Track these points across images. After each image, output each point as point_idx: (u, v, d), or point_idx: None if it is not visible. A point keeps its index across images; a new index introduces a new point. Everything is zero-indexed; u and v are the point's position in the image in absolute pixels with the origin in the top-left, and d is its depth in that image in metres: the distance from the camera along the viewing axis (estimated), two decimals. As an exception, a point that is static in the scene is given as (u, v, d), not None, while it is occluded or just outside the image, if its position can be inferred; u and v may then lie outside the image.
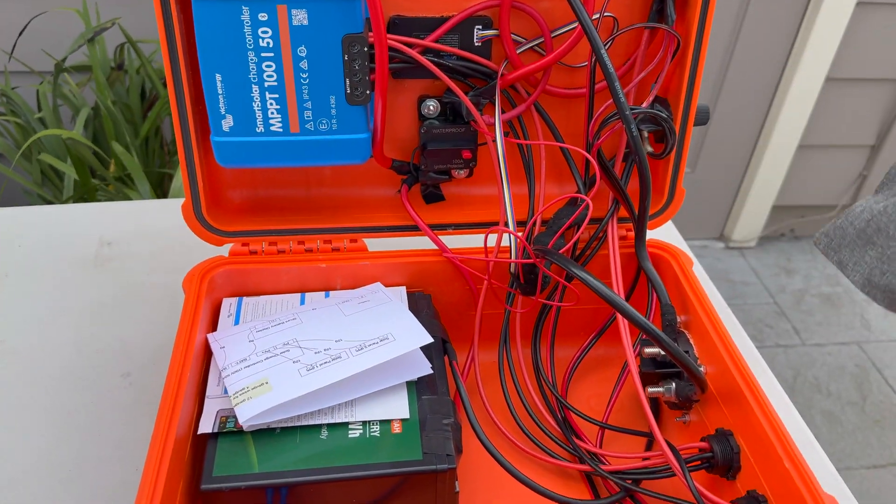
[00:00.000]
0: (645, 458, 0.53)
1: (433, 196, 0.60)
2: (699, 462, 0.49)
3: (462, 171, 0.58)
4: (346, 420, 0.47)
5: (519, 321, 0.58)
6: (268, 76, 0.48)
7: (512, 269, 0.55)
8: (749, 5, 1.71)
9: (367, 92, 0.50)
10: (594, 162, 0.50)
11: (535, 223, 0.55)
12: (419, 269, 0.58)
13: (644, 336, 0.57)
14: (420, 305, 0.57)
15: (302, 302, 0.56)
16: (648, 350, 0.54)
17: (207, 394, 0.48)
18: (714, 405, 0.51)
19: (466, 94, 0.53)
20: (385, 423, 0.48)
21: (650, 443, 0.56)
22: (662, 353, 0.53)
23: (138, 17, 1.38)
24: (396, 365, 0.50)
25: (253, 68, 0.48)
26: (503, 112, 0.55)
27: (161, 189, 1.28)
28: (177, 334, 0.49)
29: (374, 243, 0.59)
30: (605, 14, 0.53)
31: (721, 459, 0.48)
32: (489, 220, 0.59)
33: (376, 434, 0.47)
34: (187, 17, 0.48)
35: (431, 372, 0.50)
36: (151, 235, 0.75)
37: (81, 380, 0.59)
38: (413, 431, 0.47)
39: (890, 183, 0.47)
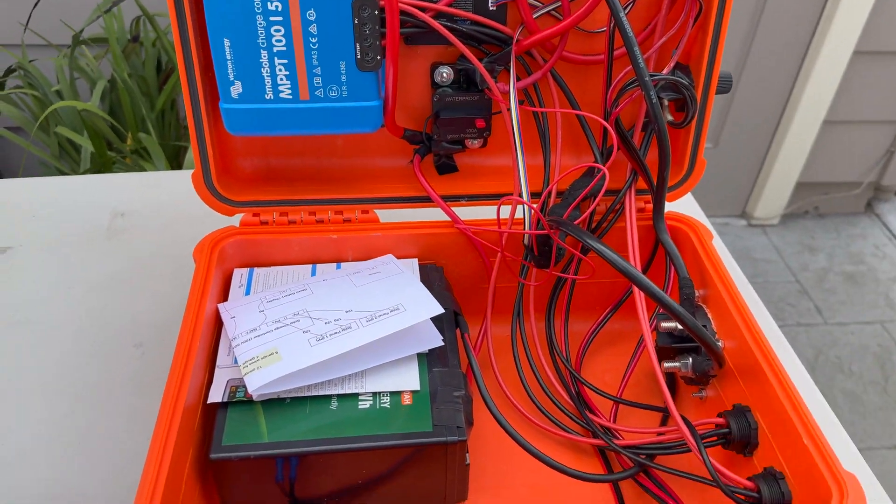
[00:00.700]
0: (659, 434, 0.52)
1: (446, 167, 0.59)
2: (715, 438, 0.48)
3: (476, 141, 0.57)
4: (356, 391, 0.47)
5: (533, 294, 0.57)
6: (276, 41, 0.47)
7: (526, 241, 0.53)
8: (776, -25, 1.67)
9: (378, 58, 0.49)
10: (612, 130, 0.48)
11: (549, 194, 0.54)
12: (431, 240, 0.58)
13: (661, 310, 0.56)
14: (432, 277, 0.56)
15: (313, 273, 0.56)
16: (665, 324, 0.52)
17: (217, 363, 0.48)
18: (732, 381, 0.50)
19: (480, 60, 0.52)
20: (395, 394, 0.47)
21: (665, 418, 0.55)
22: (680, 327, 0.52)
23: (154, -10, 1.37)
24: (407, 336, 0.49)
25: (261, 33, 0.47)
26: (518, 79, 0.53)
27: (177, 162, 1.28)
28: (187, 304, 0.48)
29: (386, 214, 0.58)
30: (625, -23, 0.52)
31: (738, 435, 0.47)
32: (503, 192, 0.58)
33: (387, 405, 0.46)
34: (194, -19, 0.46)
35: (442, 344, 0.50)
36: (164, 207, 0.74)
37: (94, 350, 0.59)
38: (424, 403, 0.47)
39: None
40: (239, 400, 0.46)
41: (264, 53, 0.48)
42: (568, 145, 0.58)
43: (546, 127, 0.56)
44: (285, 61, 0.48)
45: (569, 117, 0.57)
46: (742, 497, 0.45)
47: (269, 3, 0.46)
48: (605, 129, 0.56)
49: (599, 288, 0.59)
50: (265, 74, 0.49)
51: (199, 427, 0.46)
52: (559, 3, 0.51)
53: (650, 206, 0.58)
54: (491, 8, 0.51)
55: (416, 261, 0.57)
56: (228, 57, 0.48)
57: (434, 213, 0.58)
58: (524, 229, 0.52)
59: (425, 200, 0.58)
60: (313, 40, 0.47)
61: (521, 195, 0.52)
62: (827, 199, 2.14)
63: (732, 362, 0.50)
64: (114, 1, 1.27)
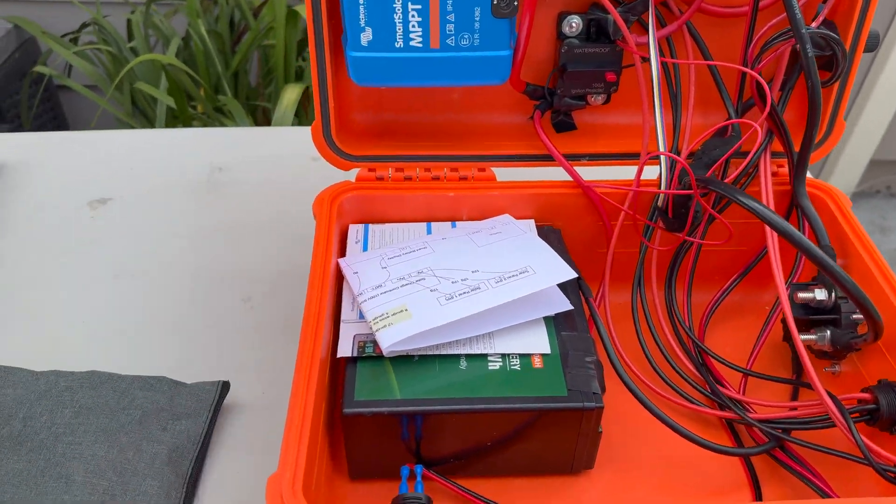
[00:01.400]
0: (792, 409, 0.50)
1: (564, 124, 0.57)
2: (858, 414, 0.46)
3: (599, 97, 0.54)
4: (484, 351, 0.45)
5: (655, 259, 0.54)
6: (413, -15, 0.45)
7: (660, 203, 0.51)
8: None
9: (515, 3, 0.46)
10: (764, 84, 0.45)
11: (687, 153, 0.51)
12: (549, 201, 0.55)
13: (795, 280, 0.54)
14: (550, 240, 0.54)
15: (428, 231, 0.54)
16: (802, 295, 0.50)
17: (342, 318, 0.47)
18: (877, 355, 0.47)
19: (615, 8, 0.49)
20: (525, 356, 0.46)
21: (795, 392, 0.52)
22: (819, 297, 0.49)
23: (227, -54, 1.36)
24: (535, 299, 0.47)
25: (397, -24, 0.45)
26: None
27: (255, 121, 1.28)
28: (312, 259, 0.47)
29: (498, 173, 0.56)
30: (778, -79, 0.48)
31: (887, 412, 0.45)
32: (626, 151, 0.55)
33: (517, 367, 0.45)
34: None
35: (571, 308, 0.48)
36: (260, 162, 0.74)
37: (203, 304, 0.59)
38: (555, 367, 0.45)
39: None
40: (368, 355, 0.45)
41: (399, -2, 0.46)
42: (696, 104, 0.55)
43: (678, 83, 0.53)
44: (419, 6, 0.46)
45: (701, 74, 0.54)
46: (893, 475, 0.43)
47: (408, -56, 0.44)
48: (741, 86, 0.53)
49: (721, 255, 0.57)
50: (397, 21, 0.47)
51: (328, 382, 0.45)
52: (705, -50, 0.48)
53: (782, 169, 0.55)
54: (631, -47, 0.48)
55: (532, 221, 0.55)
56: (361, 1, 0.46)
57: (546, 173, 0.56)
58: (661, 188, 0.49)
59: (545, 159, 0.55)
60: (451, -16, 0.45)
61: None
62: (902, 178, 2.06)
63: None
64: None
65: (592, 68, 0.52)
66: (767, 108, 0.46)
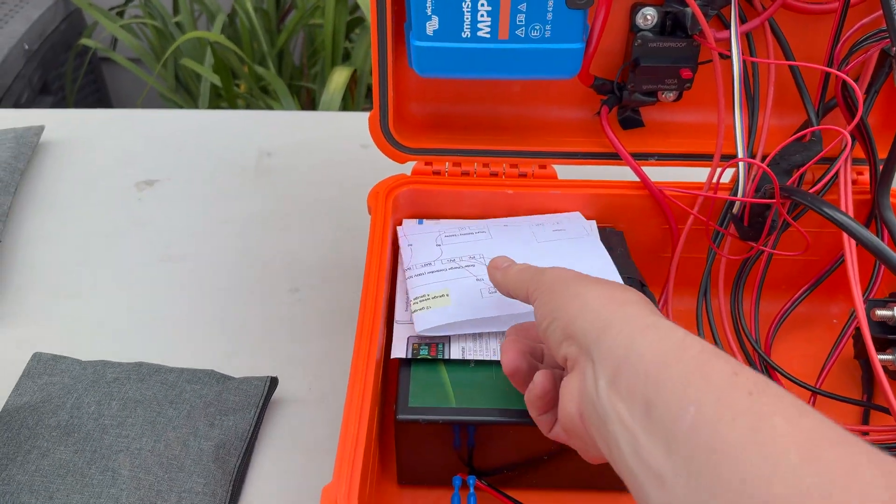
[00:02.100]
0: (864, 433, 0.47)
1: (631, 121, 0.54)
2: (940, 444, 0.43)
3: (670, 94, 0.51)
4: (544, 360, 0.43)
5: (723, 267, 0.52)
6: (484, -28, 0.43)
7: (736, 210, 0.48)
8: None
9: (591, -6, 0.44)
10: (855, 87, 0.42)
11: (764, 158, 0.48)
12: (612, 202, 0.53)
13: (870, 295, 0.51)
14: (613, 242, 0.52)
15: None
16: (881, 312, 0.47)
17: (396, 319, 0.46)
18: (962, 381, 0.45)
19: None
20: (587, 367, 0.43)
21: (866, 414, 0.50)
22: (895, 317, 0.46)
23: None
24: None
25: (468, -38, 0.43)
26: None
27: (298, 102, 1.26)
28: (367, 254, 0.46)
29: (560, 171, 0.54)
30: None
31: (973, 444, 0.42)
32: (697, 152, 0.53)
33: (577, 379, 0.43)
34: None
35: None
36: (309, 148, 0.72)
37: (251, 293, 0.58)
38: (618, 380, 0.43)
39: None
40: (423, 357, 0.43)
41: (468, -15, 0.43)
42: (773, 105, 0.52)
43: (756, 82, 0.50)
44: (490, -5, 0.44)
45: (780, 74, 0.51)
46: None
47: (482, -71, 0.41)
48: (824, 88, 0.50)
49: (791, 265, 0.54)
50: (465, 9, 0.44)
51: (381, 382, 0.43)
52: (796, -59, 0.45)
53: (862, 177, 0.52)
54: (715, -57, 0.45)
55: (594, 223, 0.53)
56: (429, -12, 0.44)
57: (609, 172, 0.54)
58: (738, 195, 0.47)
59: (609, 157, 0.53)
60: (525, -28, 0.43)
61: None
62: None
63: (967, 361, 0.44)
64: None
65: (667, 63, 0.49)
66: (859, 114, 0.43)
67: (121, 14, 1.43)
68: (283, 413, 0.50)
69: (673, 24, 0.49)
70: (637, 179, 0.52)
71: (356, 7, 1.25)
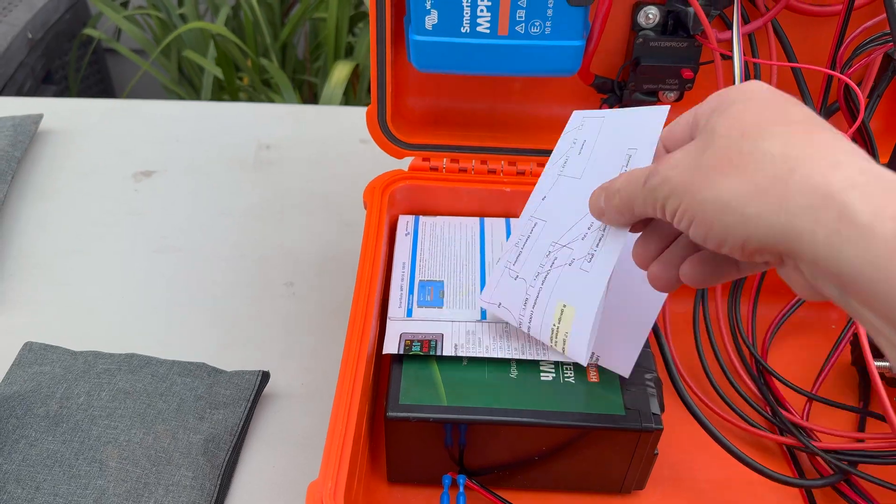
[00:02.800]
0: (859, 440, 0.47)
1: (631, 121, 0.53)
2: (936, 453, 0.43)
3: (672, 94, 0.51)
4: (537, 357, 0.43)
5: (721, 270, 0.51)
6: (485, -33, 0.42)
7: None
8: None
9: (593, -8, 0.43)
10: (857, 91, 0.42)
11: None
12: (610, 201, 0.53)
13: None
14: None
15: (481, 227, 0.52)
16: (879, 318, 0.46)
17: (389, 315, 0.45)
18: (959, 390, 0.44)
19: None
20: (580, 369, 0.43)
21: (862, 421, 0.49)
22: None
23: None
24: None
25: (469, -44, 0.42)
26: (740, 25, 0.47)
27: (300, 95, 1.26)
28: (361, 250, 0.45)
29: (559, 169, 0.53)
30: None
31: (970, 454, 0.42)
32: (697, 154, 0.52)
33: (570, 380, 0.43)
34: None
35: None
36: (307, 141, 0.72)
37: (244, 286, 0.58)
38: (612, 383, 0.43)
39: None
40: (415, 354, 0.43)
41: (469, -20, 0.43)
42: (775, 107, 0.52)
43: (758, 84, 0.50)
44: (490, -10, 0.43)
45: (782, 76, 0.50)
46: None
47: (483, -77, 0.41)
48: (826, 91, 0.49)
49: (789, 269, 0.53)
50: (465, 4, 0.44)
51: (372, 377, 0.43)
52: (802, -59, 0.45)
53: (863, 182, 0.52)
54: (720, -57, 0.45)
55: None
56: (428, -18, 0.43)
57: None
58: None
59: (608, 157, 0.52)
60: (526, -32, 0.42)
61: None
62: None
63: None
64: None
65: (668, 63, 0.49)
66: (861, 117, 0.42)
67: (125, 4, 1.43)
68: (275, 407, 0.49)
69: (675, 24, 0.48)
70: (636, 180, 0.52)
71: (360, 2, 1.24)
